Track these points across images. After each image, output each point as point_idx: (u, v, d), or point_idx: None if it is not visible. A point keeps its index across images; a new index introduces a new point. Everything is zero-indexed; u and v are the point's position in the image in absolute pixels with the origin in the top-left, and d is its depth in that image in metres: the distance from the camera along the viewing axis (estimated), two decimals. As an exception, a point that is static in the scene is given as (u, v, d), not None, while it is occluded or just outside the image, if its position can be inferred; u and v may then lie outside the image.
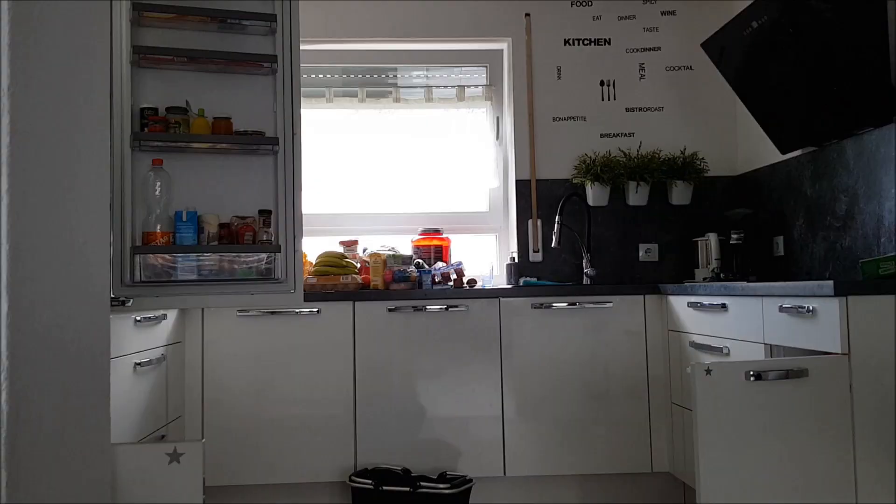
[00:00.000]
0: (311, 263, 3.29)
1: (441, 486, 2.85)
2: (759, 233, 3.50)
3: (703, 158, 3.73)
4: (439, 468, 3.01)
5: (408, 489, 2.84)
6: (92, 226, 1.33)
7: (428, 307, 3.08)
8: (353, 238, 3.50)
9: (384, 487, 2.84)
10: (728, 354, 2.56)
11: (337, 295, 3.08)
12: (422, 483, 2.85)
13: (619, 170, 3.66)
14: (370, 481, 2.86)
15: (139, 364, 2.47)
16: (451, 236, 3.63)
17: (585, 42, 3.81)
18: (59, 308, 1.19)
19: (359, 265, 3.32)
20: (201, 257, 2.49)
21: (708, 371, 1.97)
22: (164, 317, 2.75)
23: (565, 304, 3.11)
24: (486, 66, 3.91)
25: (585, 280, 3.63)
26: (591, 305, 3.12)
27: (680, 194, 3.71)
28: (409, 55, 3.87)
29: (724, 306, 2.60)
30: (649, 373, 3.11)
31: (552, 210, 3.69)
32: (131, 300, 2.35)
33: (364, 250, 3.44)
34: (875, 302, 2.00)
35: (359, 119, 3.84)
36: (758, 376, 1.97)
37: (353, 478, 2.90)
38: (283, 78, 2.52)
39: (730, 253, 3.47)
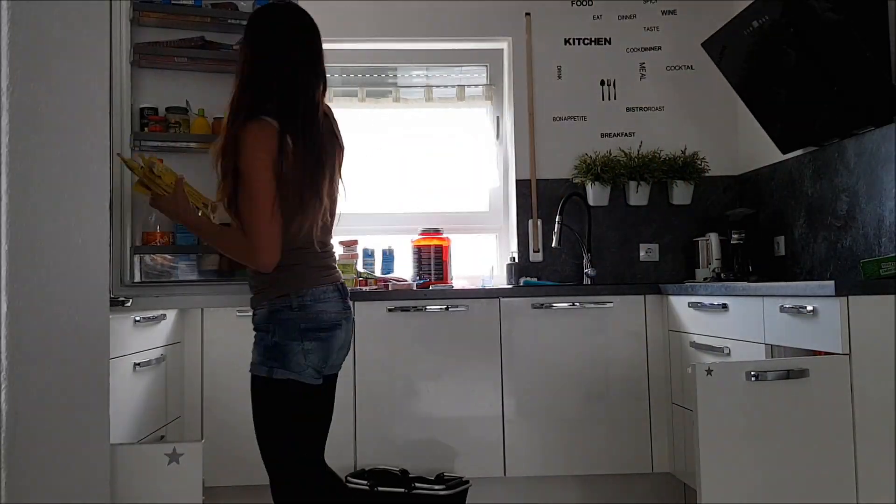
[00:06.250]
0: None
1: (437, 487, 2.84)
2: (760, 233, 3.50)
3: (703, 158, 3.72)
4: (439, 469, 3.00)
5: (402, 490, 2.83)
6: (91, 225, 1.33)
7: (428, 307, 3.08)
8: (352, 238, 3.49)
9: (379, 488, 2.84)
10: (729, 355, 2.55)
11: (337, 295, 3.07)
12: (417, 484, 2.84)
13: (619, 169, 3.65)
14: (366, 482, 2.86)
15: (139, 364, 2.47)
16: (451, 236, 3.62)
17: (586, 41, 3.81)
18: (58, 308, 1.19)
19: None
20: (201, 257, 2.49)
21: (709, 371, 1.96)
22: (164, 317, 2.74)
23: (566, 305, 3.11)
24: (487, 66, 3.91)
25: (586, 280, 3.62)
26: (592, 305, 3.11)
27: (680, 194, 3.71)
28: (409, 55, 3.86)
29: (724, 306, 2.60)
30: (650, 373, 3.11)
31: (552, 210, 3.68)
32: (131, 300, 2.35)
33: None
34: (876, 302, 2.00)
35: (359, 118, 3.83)
36: (758, 376, 1.97)
37: (349, 479, 2.90)
38: (283, 77, 2.51)
39: (730, 253, 3.46)
